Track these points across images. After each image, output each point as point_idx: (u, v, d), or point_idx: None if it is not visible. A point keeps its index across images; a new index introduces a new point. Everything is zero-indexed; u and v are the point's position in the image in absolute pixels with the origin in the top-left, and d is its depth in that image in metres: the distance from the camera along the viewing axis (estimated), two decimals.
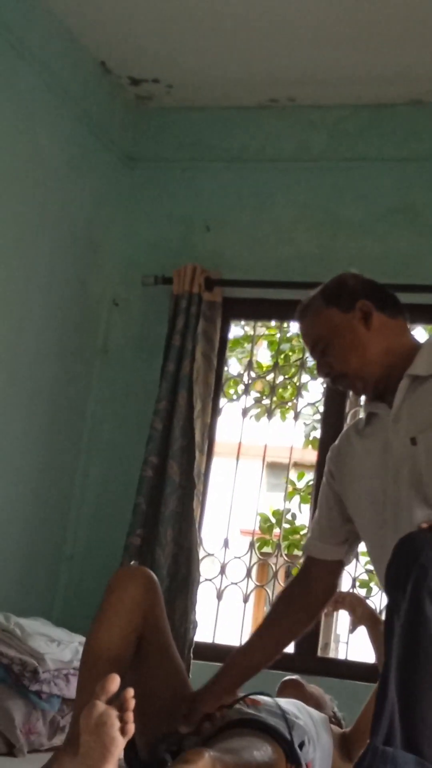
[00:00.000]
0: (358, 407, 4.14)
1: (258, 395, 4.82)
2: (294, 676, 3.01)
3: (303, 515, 6.42)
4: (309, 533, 2.69)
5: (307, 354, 4.63)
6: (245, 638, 4.08)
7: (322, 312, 2.49)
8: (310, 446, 6.47)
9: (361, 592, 4.00)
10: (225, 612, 4.15)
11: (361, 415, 2.61)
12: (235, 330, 5.15)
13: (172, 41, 4.04)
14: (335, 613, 4.18)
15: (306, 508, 6.22)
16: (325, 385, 4.15)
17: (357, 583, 3.93)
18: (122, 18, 3.93)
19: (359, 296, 2.46)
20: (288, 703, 2.58)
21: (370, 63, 3.97)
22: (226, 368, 4.44)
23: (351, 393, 4.05)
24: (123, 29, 4.00)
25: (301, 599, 2.60)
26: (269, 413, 4.40)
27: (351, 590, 3.67)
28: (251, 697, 2.52)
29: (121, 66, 4.29)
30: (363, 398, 2.70)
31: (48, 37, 3.90)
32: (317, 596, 2.62)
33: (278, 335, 5.01)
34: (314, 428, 6.10)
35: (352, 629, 3.14)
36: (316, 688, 2.99)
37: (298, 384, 4.38)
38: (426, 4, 3.58)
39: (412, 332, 2.59)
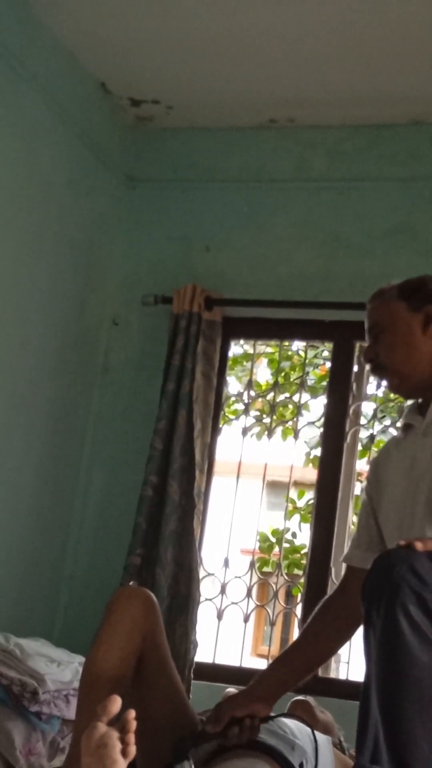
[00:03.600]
0: (358, 426, 4.14)
1: (258, 414, 4.83)
2: (305, 697, 2.99)
3: (303, 534, 6.40)
4: (349, 544, 2.70)
5: (308, 371, 4.67)
6: (245, 659, 4.10)
7: (392, 302, 2.54)
8: (310, 465, 6.47)
9: None
10: (225, 632, 4.13)
11: (402, 424, 2.64)
12: (235, 348, 5.16)
13: (172, 62, 4.06)
14: None
15: (306, 527, 6.21)
16: (325, 404, 4.15)
17: None
18: (122, 39, 3.95)
19: (431, 301, 2.49)
20: (288, 722, 2.57)
21: (370, 83, 3.99)
22: (226, 387, 4.44)
23: (351, 411, 4.08)
24: (123, 50, 4.03)
25: (340, 610, 2.58)
26: (269, 432, 4.40)
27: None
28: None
29: (121, 87, 4.31)
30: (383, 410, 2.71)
31: (48, 58, 3.92)
32: (356, 608, 2.61)
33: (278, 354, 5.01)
34: (315, 447, 6.09)
35: None
36: (326, 714, 2.97)
37: (298, 403, 4.38)
38: (426, 25, 3.60)
39: None
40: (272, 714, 2.51)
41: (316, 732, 2.64)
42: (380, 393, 4.16)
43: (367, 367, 2.66)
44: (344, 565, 2.70)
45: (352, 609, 2.59)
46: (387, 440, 2.77)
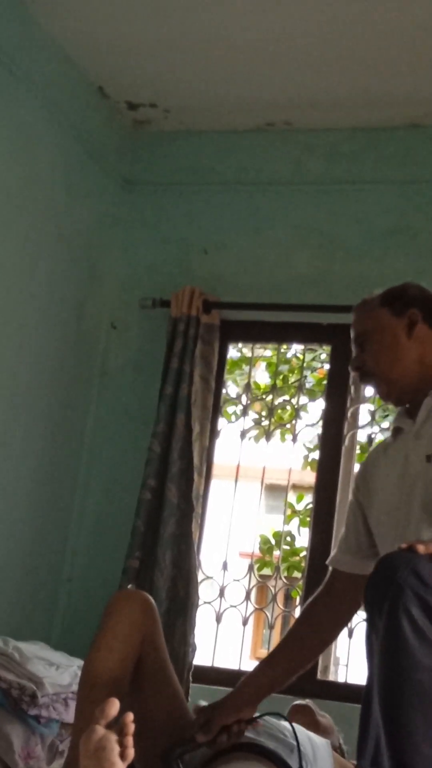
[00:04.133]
0: (356, 429, 4.14)
1: (256, 417, 4.82)
2: (305, 702, 2.99)
3: (302, 537, 6.41)
4: (335, 548, 2.70)
5: (306, 374, 4.68)
6: (244, 662, 4.09)
7: (375, 310, 2.56)
8: (308, 468, 6.47)
9: (363, 615, 3.97)
10: (224, 635, 4.13)
11: (391, 428, 2.64)
12: (233, 352, 5.16)
13: (169, 66, 4.06)
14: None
15: (305, 530, 6.21)
16: (323, 407, 4.15)
17: None
18: (120, 43, 3.95)
19: (413, 305, 2.52)
20: (287, 726, 2.57)
21: (368, 86, 3.99)
22: (224, 390, 4.44)
23: (349, 414, 4.08)
24: (121, 54, 4.03)
25: (325, 614, 2.61)
26: (268, 435, 4.40)
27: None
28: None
29: (118, 91, 4.31)
30: (378, 414, 2.72)
31: (46, 62, 3.93)
32: (342, 611, 2.63)
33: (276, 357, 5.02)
34: (313, 449, 6.09)
35: None
36: (326, 717, 2.97)
37: (296, 405, 4.38)
38: (424, 28, 3.60)
39: None
40: (257, 714, 2.52)
41: (314, 734, 2.65)
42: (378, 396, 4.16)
43: (355, 375, 2.67)
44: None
45: (337, 611, 2.61)
46: (375, 445, 2.77)
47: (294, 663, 2.60)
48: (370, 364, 2.52)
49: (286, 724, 2.57)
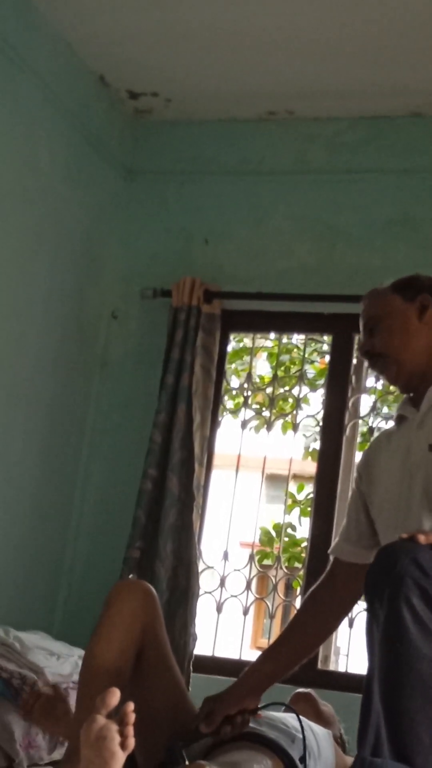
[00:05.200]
0: (357, 419, 4.14)
1: (257, 407, 4.82)
2: (307, 690, 2.99)
3: (303, 527, 6.41)
4: (337, 536, 2.71)
5: (307, 365, 4.68)
6: (245, 652, 4.10)
7: (387, 296, 2.58)
8: (309, 458, 6.47)
9: (364, 605, 3.97)
10: (225, 625, 4.13)
11: (394, 416, 2.65)
12: (234, 342, 5.15)
13: (170, 55, 4.05)
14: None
15: (306, 520, 6.21)
16: (324, 397, 4.15)
17: None
18: (121, 32, 3.94)
19: (424, 291, 2.54)
20: (289, 717, 2.57)
21: (369, 76, 3.98)
22: (225, 381, 4.44)
23: (350, 405, 4.07)
24: (122, 43, 4.02)
25: (327, 603, 2.62)
26: (268, 425, 4.40)
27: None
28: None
29: (119, 79, 4.30)
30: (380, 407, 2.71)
31: (47, 51, 3.91)
32: (343, 600, 2.64)
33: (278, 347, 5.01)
34: (314, 440, 6.09)
35: None
36: (328, 707, 2.97)
37: (297, 396, 4.37)
38: (425, 17, 3.59)
39: None
40: (261, 704, 2.52)
41: (316, 725, 2.65)
42: (379, 386, 4.16)
43: (365, 362, 2.67)
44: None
45: (339, 600, 2.62)
46: (378, 433, 2.78)
47: (296, 653, 2.60)
48: (380, 346, 2.53)
49: (288, 714, 2.57)
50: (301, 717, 2.54)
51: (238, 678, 2.56)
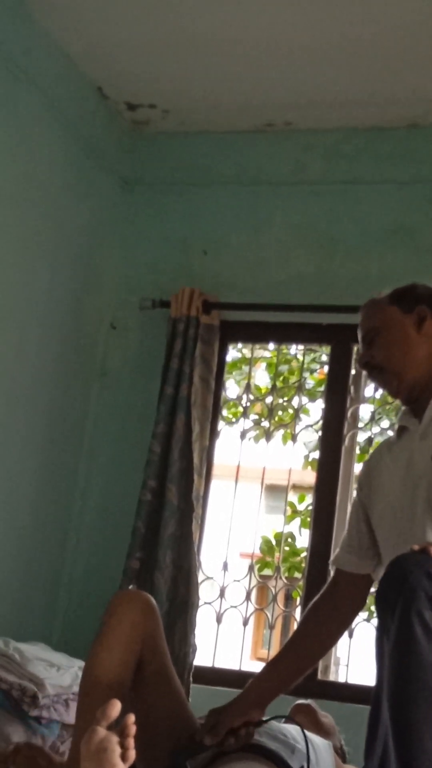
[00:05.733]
0: (356, 429, 4.14)
1: (257, 417, 4.81)
2: (307, 701, 2.99)
3: (303, 537, 6.40)
4: (338, 547, 2.71)
5: (305, 375, 4.68)
6: (245, 662, 4.09)
7: (384, 308, 2.58)
8: (308, 468, 6.47)
9: (363, 615, 3.97)
10: (224, 635, 4.13)
11: (395, 428, 2.65)
12: (233, 353, 5.15)
13: (168, 67, 4.06)
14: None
15: (306, 530, 6.21)
16: (323, 407, 4.15)
17: None
18: (120, 44, 3.95)
19: (421, 302, 2.54)
20: (289, 727, 2.57)
21: (367, 86, 3.99)
22: (224, 391, 4.44)
23: (349, 414, 4.07)
24: (120, 55, 4.03)
25: (329, 614, 2.62)
26: (268, 435, 4.39)
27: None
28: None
29: (118, 91, 4.30)
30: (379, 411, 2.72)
31: (46, 62, 3.92)
32: (345, 610, 2.64)
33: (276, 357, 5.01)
34: (313, 450, 6.08)
35: None
36: (328, 718, 2.97)
37: (296, 406, 4.37)
38: (423, 28, 3.60)
39: None
40: (265, 717, 2.52)
41: (316, 736, 2.64)
42: (378, 396, 4.16)
43: (363, 371, 2.67)
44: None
45: (341, 611, 2.62)
46: (380, 443, 2.78)
47: (300, 664, 2.60)
48: (380, 359, 2.53)
49: (290, 726, 2.57)
50: (298, 727, 2.54)
51: (242, 690, 2.56)
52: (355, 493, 2.70)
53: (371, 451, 2.89)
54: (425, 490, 2.33)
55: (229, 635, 4.13)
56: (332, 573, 2.71)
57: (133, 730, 1.93)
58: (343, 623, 2.66)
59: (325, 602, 2.64)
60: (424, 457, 2.38)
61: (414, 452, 2.44)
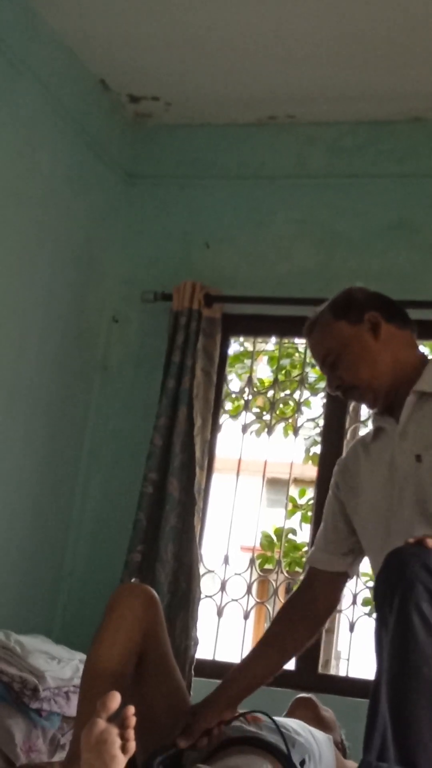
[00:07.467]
0: (358, 423, 4.14)
1: (258, 411, 4.81)
2: (308, 695, 2.99)
3: (304, 531, 6.41)
4: (313, 546, 2.70)
5: (308, 369, 4.67)
6: (246, 654, 4.09)
7: (332, 325, 2.52)
8: (310, 462, 6.47)
9: (365, 609, 3.97)
10: (225, 629, 4.13)
11: (369, 428, 2.62)
12: (235, 346, 5.14)
13: (171, 59, 4.05)
14: (336, 629, 4.17)
15: (307, 526, 6.21)
16: (325, 401, 4.15)
17: (360, 600, 3.90)
18: (122, 36, 3.95)
19: (367, 308, 2.50)
20: (289, 721, 2.57)
21: (369, 80, 3.99)
22: (225, 384, 4.44)
23: (350, 409, 4.07)
24: (123, 47, 4.02)
25: (303, 612, 2.60)
26: (269, 429, 4.39)
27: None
28: (252, 714, 2.51)
29: (120, 83, 4.30)
30: (369, 411, 2.71)
31: (48, 55, 3.92)
32: (320, 609, 2.62)
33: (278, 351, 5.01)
34: (315, 443, 6.08)
35: None
36: (329, 712, 2.97)
37: (298, 400, 4.37)
38: (425, 22, 3.59)
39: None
40: (239, 712, 2.51)
41: (317, 730, 2.65)
42: None
43: (337, 395, 2.62)
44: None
45: (316, 610, 2.61)
46: (353, 443, 2.75)
47: (270, 664, 2.59)
48: (349, 379, 2.48)
49: (291, 720, 2.57)
50: (297, 721, 2.54)
51: (214, 690, 2.54)
52: (330, 491, 2.66)
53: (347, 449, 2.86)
54: (413, 492, 2.32)
55: (230, 628, 4.14)
56: (306, 572, 2.69)
57: (133, 721, 1.94)
58: (316, 623, 2.63)
59: (300, 602, 2.63)
60: (407, 457, 2.36)
61: (395, 452, 2.41)
